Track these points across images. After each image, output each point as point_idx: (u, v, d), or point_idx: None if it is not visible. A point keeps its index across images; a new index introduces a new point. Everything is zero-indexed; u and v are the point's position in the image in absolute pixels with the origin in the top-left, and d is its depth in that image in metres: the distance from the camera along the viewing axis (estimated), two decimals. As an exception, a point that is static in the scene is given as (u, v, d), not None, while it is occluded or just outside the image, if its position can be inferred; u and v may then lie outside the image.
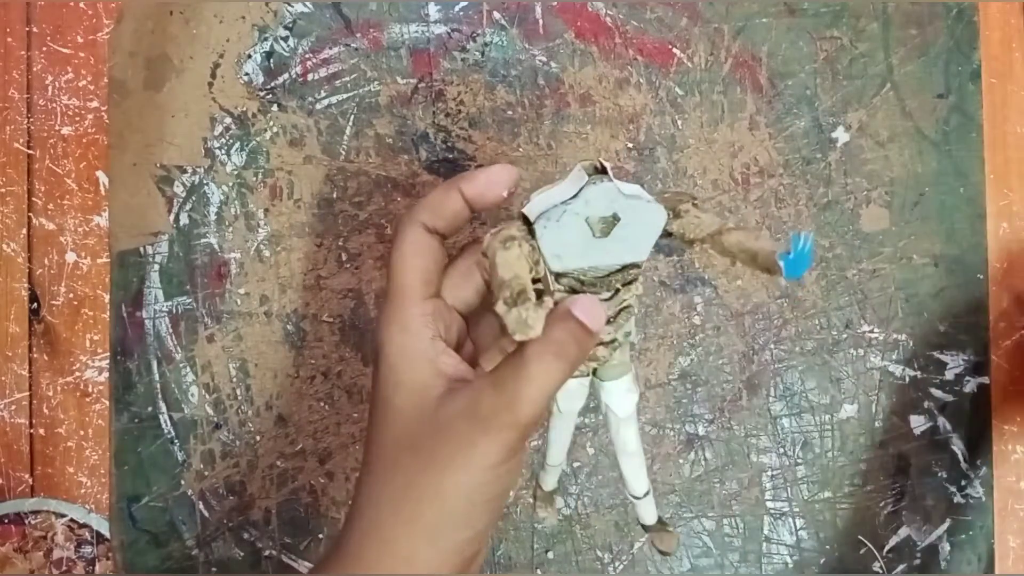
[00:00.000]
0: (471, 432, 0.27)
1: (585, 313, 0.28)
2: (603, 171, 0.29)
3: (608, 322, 0.30)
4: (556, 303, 0.29)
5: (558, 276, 0.30)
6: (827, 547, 0.48)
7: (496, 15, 0.49)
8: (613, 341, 0.31)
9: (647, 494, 0.35)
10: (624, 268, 0.30)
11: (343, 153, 0.48)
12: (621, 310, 0.31)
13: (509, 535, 0.48)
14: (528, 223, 0.29)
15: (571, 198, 0.29)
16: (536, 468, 0.42)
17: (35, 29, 0.50)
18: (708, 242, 0.30)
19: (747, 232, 0.29)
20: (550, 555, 0.47)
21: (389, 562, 0.28)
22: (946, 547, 0.48)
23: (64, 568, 0.48)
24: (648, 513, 0.36)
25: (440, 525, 0.27)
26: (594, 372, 0.33)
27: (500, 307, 0.26)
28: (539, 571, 0.48)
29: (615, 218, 0.29)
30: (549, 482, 0.38)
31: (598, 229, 0.29)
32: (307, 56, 0.48)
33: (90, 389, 0.49)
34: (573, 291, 0.30)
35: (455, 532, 0.28)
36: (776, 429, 0.48)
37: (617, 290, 0.31)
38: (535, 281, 0.29)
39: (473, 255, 0.32)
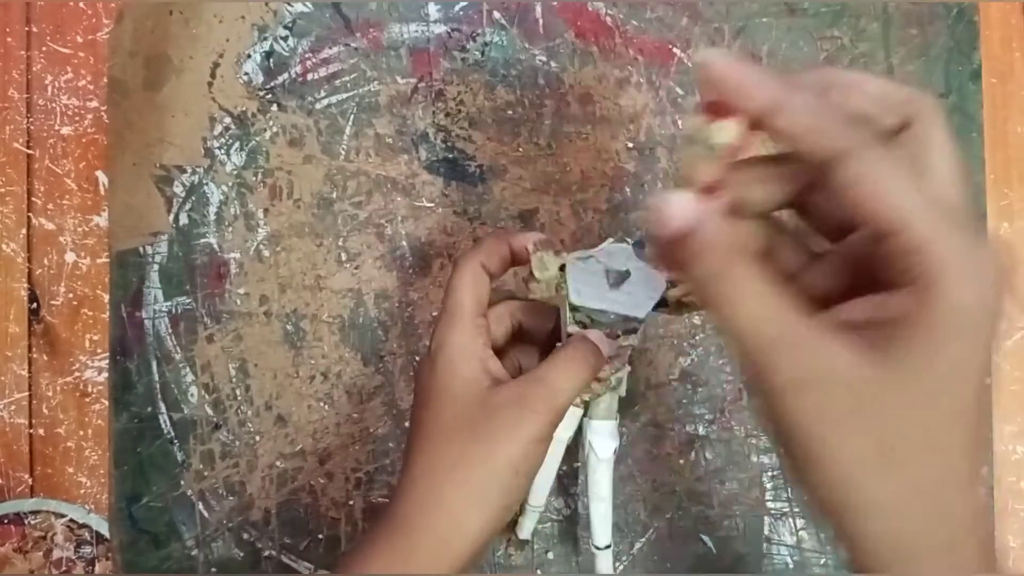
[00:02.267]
0: (520, 412, 0.33)
1: (596, 338, 0.36)
2: (642, 245, 0.35)
3: (607, 361, 0.36)
4: (571, 334, 0.37)
5: (574, 309, 0.37)
6: (828, 547, 0.48)
7: (496, 15, 0.49)
8: (607, 380, 0.37)
9: (608, 547, 0.41)
10: (627, 319, 0.36)
11: (343, 153, 0.48)
12: (618, 355, 0.37)
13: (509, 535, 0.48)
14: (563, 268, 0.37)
15: (598, 250, 0.36)
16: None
17: (35, 29, 0.50)
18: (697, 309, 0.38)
19: None
20: (550, 555, 0.47)
21: (442, 523, 0.32)
22: (946, 547, 0.48)
23: (64, 568, 0.48)
24: (605, 566, 0.41)
25: (488, 490, 0.32)
26: (585, 411, 0.39)
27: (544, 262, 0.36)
28: (539, 571, 0.48)
29: (627, 274, 0.36)
30: (526, 529, 0.43)
31: (612, 279, 0.36)
32: (307, 56, 0.48)
33: (90, 389, 0.49)
34: (583, 326, 0.37)
35: (499, 498, 0.33)
36: (776, 429, 0.48)
37: (618, 335, 0.37)
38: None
39: (506, 305, 0.39)
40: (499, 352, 0.37)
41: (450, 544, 0.32)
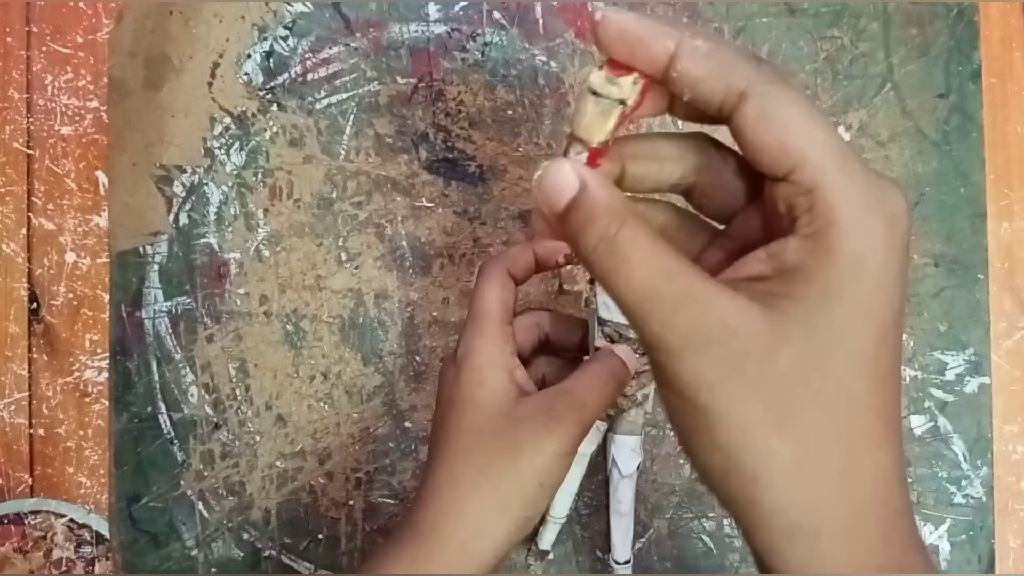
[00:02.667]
0: (547, 424, 0.32)
1: (624, 354, 0.35)
2: None
3: (633, 376, 0.36)
4: (599, 348, 0.36)
5: (602, 323, 0.37)
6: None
7: (496, 15, 0.49)
8: (633, 395, 0.37)
9: (628, 563, 0.41)
10: None
11: (343, 153, 0.48)
12: (644, 371, 0.37)
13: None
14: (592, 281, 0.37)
15: None
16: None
17: (35, 29, 0.50)
18: None
19: None
20: (550, 556, 0.47)
21: (466, 531, 0.32)
22: (946, 547, 0.48)
23: (64, 568, 0.48)
24: None
25: (512, 501, 0.32)
26: (610, 426, 0.39)
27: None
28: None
29: None
30: (546, 540, 0.43)
31: None
32: (307, 56, 0.48)
33: (90, 389, 0.49)
34: (612, 340, 0.37)
35: (523, 509, 0.32)
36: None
37: (644, 352, 0.35)
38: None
39: (533, 315, 0.38)
40: (524, 362, 0.36)
41: (473, 552, 0.32)
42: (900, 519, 0.23)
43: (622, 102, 0.23)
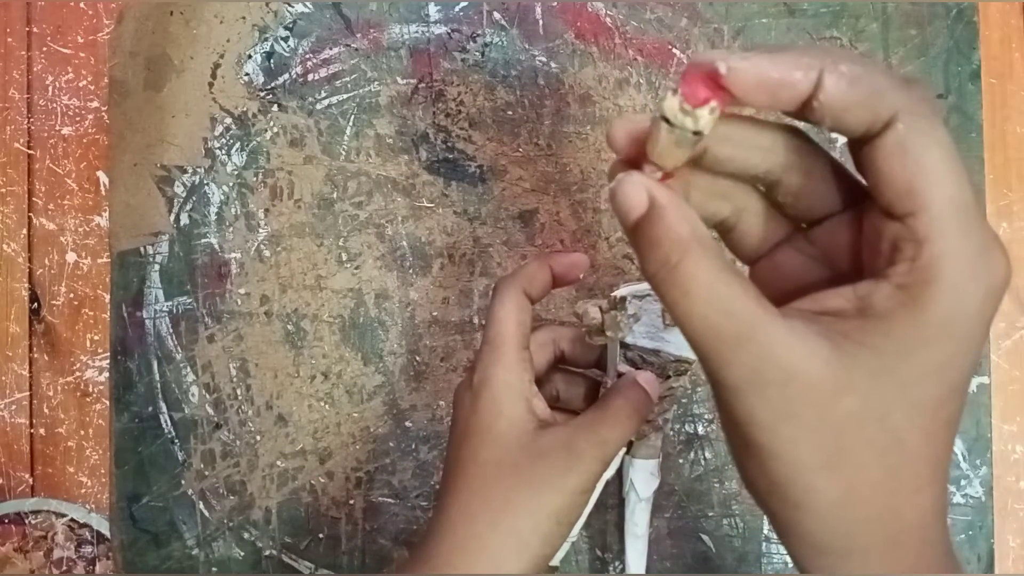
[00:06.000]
0: (568, 461, 0.31)
1: (647, 383, 0.34)
2: None
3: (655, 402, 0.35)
4: (621, 374, 0.35)
5: (625, 347, 0.36)
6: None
7: (496, 15, 0.49)
8: (654, 420, 0.37)
9: None
10: (678, 360, 0.35)
11: (343, 153, 0.48)
12: (666, 396, 0.36)
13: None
14: (613, 305, 0.35)
15: None
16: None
17: (35, 29, 0.50)
18: None
19: None
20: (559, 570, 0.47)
21: (482, 568, 0.31)
22: (946, 547, 0.48)
23: (64, 568, 0.48)
24: None
25: (530, 539, 0.31)
26: (628, 449, 0.38)
27: (595, 311, 0.35)
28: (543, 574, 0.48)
29: None
30: (557, 557, 0.42)
31: (668, 319, 0.35)
32: (307, 56, 0.49)
33: (90, 389, 0.49)
34: (634, 365, 0.36)
35: (540, 547, 0.32)
36: (776, 429, 0.48)
37: (668, 376, 0.36)
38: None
39: (550, 331, 0.38)
40: (538, 380, 0.36)
41: None
42: (935, 547, 0.23)
43: (697, 133, 0.21)
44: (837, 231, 0.24)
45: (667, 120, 0.21)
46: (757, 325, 0.21)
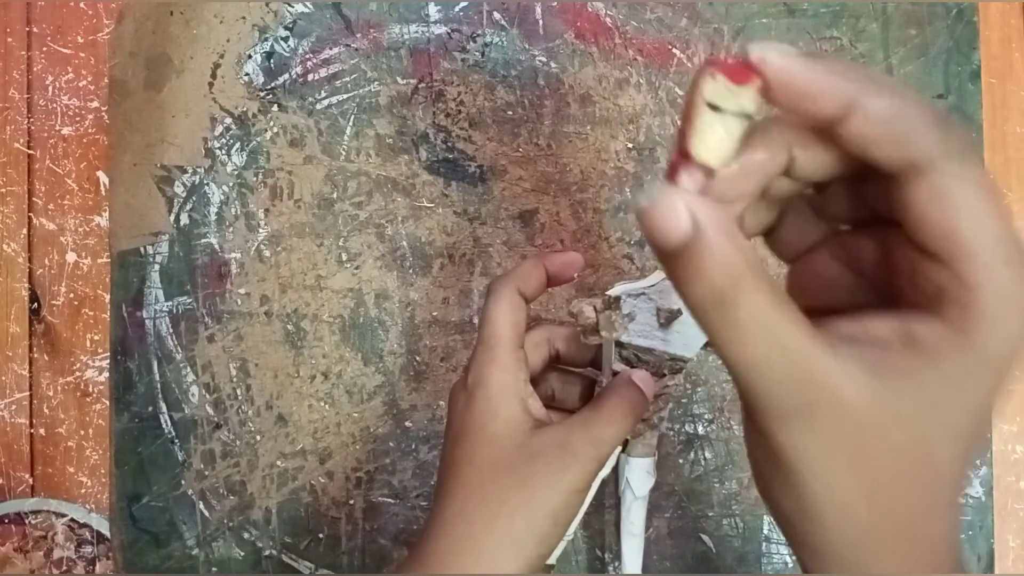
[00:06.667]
0: (563, 460, 0.31)
1: (642, 382, 0.34)
2: None
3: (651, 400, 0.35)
4: (616, 373, 0.35)
5: (620, 346, 0.35)
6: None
7: (496, 15, 0.49)
8: (650, 419, 0.37)
9: None
10: (674, 358, 0.35)
11: (343, 153, 0.48)
12: (661, 394, 0.36)
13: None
14: (607, 305, 0.35)
15: (649, 286, 0.35)
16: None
17: (35, 29, 0.50)
18: None
19: None
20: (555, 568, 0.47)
21: (478, 569, 0.31)
22: (946, 547, 0.48)
23: (64, 568, 0.48)
24: None
25: (526, 539, 0.31)
26: (624, 447, 0.38)
27: (590, 311, 0.34)
28: (539, 572, 0.48)
29: (678, 312, 0.35)
30: (553, 555, 0.42)
31: (663, 318, 0.35)
32: (307, 56, 0.49)
33: (90, 389, 0.49)
34: (629, 364, 0.36)
35: (536, 547, 0.32)
36: (776, 429, 0.48)
37: (663, 374, 0.36)
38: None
39: (544, 331, 0.37)
40: (533, 379, 0.36)
41: None
42: (945, 555, 0.23)
43: (748, 115, 0.19)
44: (870, 243, 0.24)
45: (713, 107, 0.19)
46: (812, 360, 0.21)
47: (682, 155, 0.20)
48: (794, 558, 0.48)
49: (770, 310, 0.20)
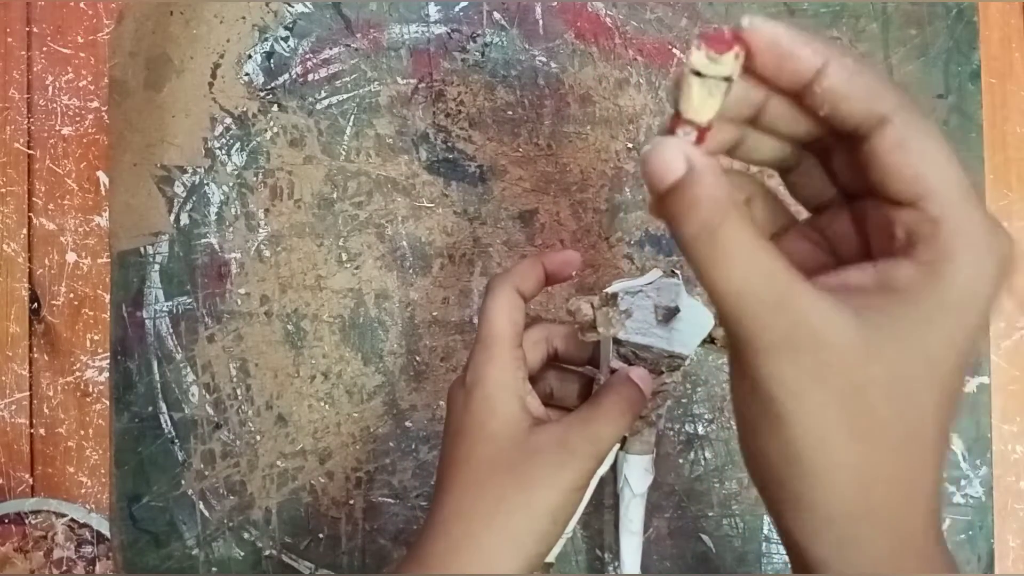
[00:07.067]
0: (561, 458, 0.32)
1: (640, 379, 0.35)
2: (674, 276, 0.36)
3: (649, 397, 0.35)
4: (614, 370, 0.35)
5: (618, 343, 0.36)
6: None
7: (496, 15, 0.49)
8: (648, 416, 0.37)
9: None
10: (672, 356, 0.36)
11: (343, 153, 0.48)
12: (659, 391, 0.37)
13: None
14: (605, 301, 0.36)
15: (647, 284, 0.36)
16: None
17: (35, 29, 0.50)
18: None
19: None
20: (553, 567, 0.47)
21: (476, 567, 0.31)
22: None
23: (64, 568, 0.48)
24: None
25: (525, 538, 0.31)
26: (622, 445, 0.38)
27: (587, 308, 0.35)
28: (538, 571, 0.48)
29: (676, 310, 0.35)
30: (552, 553, 0.41)
31: (660, 315, 0.35)
32: (307, 56, 0.49)
33: (90, 389, 0.49)
34: (627, 361, 0.36)
35: (535, 545, 0.32)
36: (776, 429, 0.48)
37: (661, 371, 0.36)
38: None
39: (542, 329, 0.37)
40: (532, 377, 0.36)
41: None
42: (932, 516, 0.24)
43: (727, 79, 0.22)
44: (841, 220, 0.26)
45: (697, 73, 0.22)
46: (795, 290, 0.22)
47: (676, 115, 0.23)
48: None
49: (756, 241, 0.22)
